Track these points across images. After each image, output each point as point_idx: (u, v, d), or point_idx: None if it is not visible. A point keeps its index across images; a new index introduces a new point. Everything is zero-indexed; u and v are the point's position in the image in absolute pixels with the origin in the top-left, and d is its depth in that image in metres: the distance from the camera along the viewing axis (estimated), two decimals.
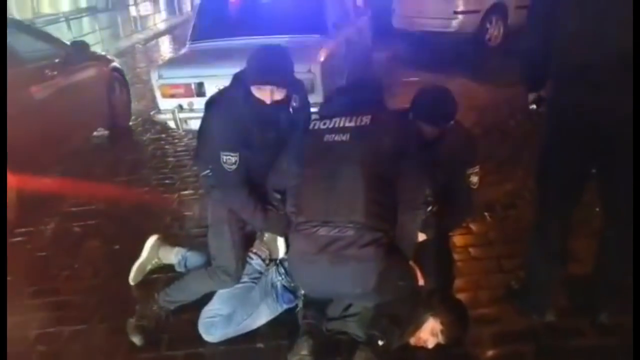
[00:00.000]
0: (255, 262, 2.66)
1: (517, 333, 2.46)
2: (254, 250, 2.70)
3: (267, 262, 2.67)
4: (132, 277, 2.99)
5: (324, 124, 2.33)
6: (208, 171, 2.59)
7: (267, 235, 2.70)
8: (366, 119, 2.25)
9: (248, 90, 2.32)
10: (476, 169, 2.53)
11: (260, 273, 2.65)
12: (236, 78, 2.45)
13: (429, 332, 2.31)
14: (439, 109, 2.43)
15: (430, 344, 2.32)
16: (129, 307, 2.70)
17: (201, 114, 4.47)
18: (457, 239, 3.24)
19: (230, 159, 2.36)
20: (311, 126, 2.39)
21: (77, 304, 2.94)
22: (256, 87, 2.29)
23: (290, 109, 2.45)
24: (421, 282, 2.32)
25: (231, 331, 2.49)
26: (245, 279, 2.61)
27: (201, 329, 2.51)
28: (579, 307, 2.52)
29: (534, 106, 2.52)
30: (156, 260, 3.04)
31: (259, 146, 2.43)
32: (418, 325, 2.30)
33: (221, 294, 2.59)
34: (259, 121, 2.39)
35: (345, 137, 2.24)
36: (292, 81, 2.38)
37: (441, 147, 2.43)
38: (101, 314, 2.82)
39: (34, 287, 3.12)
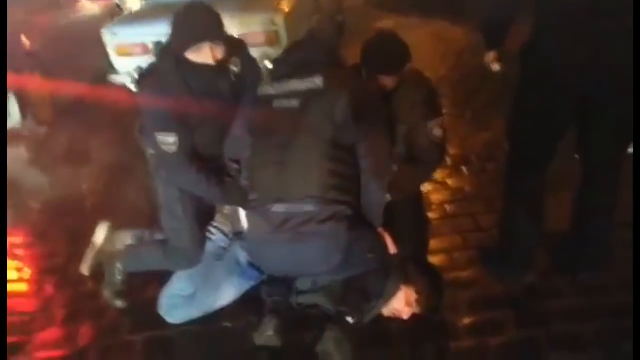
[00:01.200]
0: (217, 237, 2.47)
1: (494, 297, 2.35)
2: (215, 225, 2.50)
3: (230, 236, 2.48)
4: (86, 267, 2.73)
5: (273, 87, 2.09)
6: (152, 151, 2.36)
7: (228, 207, 2.50)
8: (317, 80, 2.01)
9: (180, 59, 2.07)
10: (438, 120, 2.32)
11: (224, 249, 2.47)
12: (163, 51, 2.18)
13: (403, 302, 2.18)
14: (389, 54, 2.24)
15: (405, 315, 2.19)
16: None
17: None
18: (432, 195, 3.09)
19: (167, 139, 2.14)
20: (259, 91, 2.14)
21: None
22: (192, 50, 2.05)
23: (231, 75, 2.20)
24: (392, 249, 2.18)
25: (194, 312, 2.34)
26: (206, 256, 2.43)
27: (161, 311, 2.36)
28: (558, 266, 2.40)
29: (496, 66, 2.34)
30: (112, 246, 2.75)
31: (201, 121, 2.19)
32: (391, 296, 2.17)
33: (181, 273, 2.42)
34: (197, 93, 2.15)
35: (295, 103, 2.01)
36: (228, 39, 2.15)
37: (399, 99, 2.25)
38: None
39: None
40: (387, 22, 6.51)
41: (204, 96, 2.18)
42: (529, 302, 2.30)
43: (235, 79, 2.23)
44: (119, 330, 2.42)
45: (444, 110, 3.97)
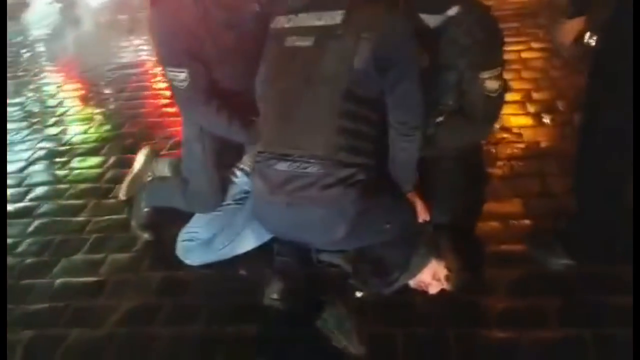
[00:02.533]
0: (241, 180, 2.27)
1: (543, 281, 1.97)
2: (241, 166, 2.29)
3: None
4: (124, 192, 2.68)
5: (288, 20, 1.75)
6: None
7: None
8: (337, 16, 1.64)
9: None
10: (495, 71, 1.87)
11: (247, 192, 2.27)
12: None
13: (431, 276, 1.90)
14: None
15: (433, 290, 1.91)
16: None
17: None
18: (500, 148, 2.66)
19: (177, 76, 1.91)
20: (272, 24, 1.80)
21: None
22: None
23: (257, 6, 1.90)
24: (423, 217, 1.87)
25: (211, 257, 2.21)
26: (228, 200, 2.25)
27: (178, 252, 2.25)
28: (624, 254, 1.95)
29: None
30: (150, 173, 2.68)
31: (219, 58, 1.93)
32: (417, 270, 1.89)
33: (200, 215, 2.27)
34: (217, 22, 1.87)
35: (309, 42, 1.67)
36: None
37: (446, 42, 1.83)
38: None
39: None
40: None
41: (224, 26, 1.91)
42: (586, 295, 1.89)
43: (261, 8, 1.92)
44: (139, 267, 2.35)
45: (537, 44, 3.54)
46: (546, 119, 2.85)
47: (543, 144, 2.69)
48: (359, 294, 1.83)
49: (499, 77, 1.88)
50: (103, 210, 2.74)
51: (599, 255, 1.94)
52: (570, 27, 1.90)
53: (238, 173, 2.29)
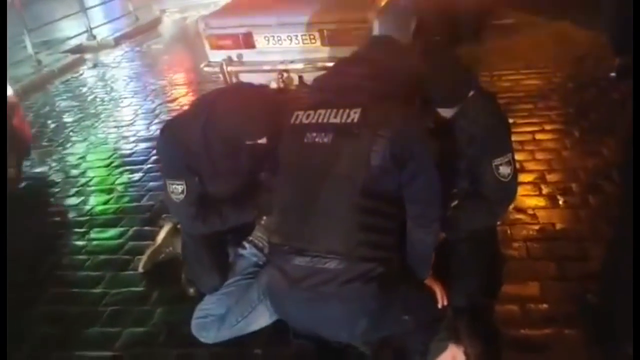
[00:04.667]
0: (249, 251, 2.30)
1: None
2: (250, 239, 2.32)
3: (265, 250, 2.27)
4: (142, 265, 2.76)
5: (307, 116, 1.78)
6: None
7: (266, 218, 2.30)
8: (354, 114, 1.68)
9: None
10: (505, 157, 1.92)
11: (258, 266, 2.29)
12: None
13: None
14: (452, 85, 1.89)
15: None
16: None
17: (250, 67, 4.30)
18: (514, 230, 2.68)
19: (176, 188, 2.09)
20: (292, 119, 1.82)
21: None
22: None
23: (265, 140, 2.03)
24: (442, 302, 1.87)
25: (225, 333, 2.19)
26: (238, 276, 2.27)
27: (193, 329, 2.23)
28: None
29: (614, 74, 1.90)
30: (170, 248, 2.76)
31: (215, 174, 2.13)
32: (437, 353, 1.87)
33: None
34: (215, 154, 2.09)
35: (327, 139, 1.69)
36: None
37: (456, 131, 1.90)
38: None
39: None
40: (507, 21, 5.97)
41: (224, 155, 2.11)
42: None
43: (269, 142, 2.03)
44: (154, 342, 2.34)
45: (549, 126, 3.63)
46: (560, 201, 2.88)
47: (557, 226, 2.70)
48: None
49: (510, 162, 1.93)
50: (121, 283, 2.76)
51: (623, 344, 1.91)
52: None
53: (247, 245, 2.32)
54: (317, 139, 1.71)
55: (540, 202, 2.89)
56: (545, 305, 2.23)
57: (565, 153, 3.33)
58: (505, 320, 2.16)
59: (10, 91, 3.83)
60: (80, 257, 3.04)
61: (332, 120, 1.70)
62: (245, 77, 4.24)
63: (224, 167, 2.12)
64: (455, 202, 1.99)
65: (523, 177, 2.87)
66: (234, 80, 4.40)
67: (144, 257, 2.77)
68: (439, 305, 1.86)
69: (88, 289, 2.75)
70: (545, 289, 2.30)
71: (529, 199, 2.91)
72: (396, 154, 1.63)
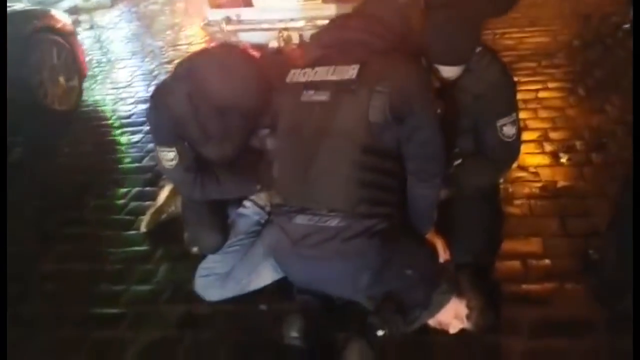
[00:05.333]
0: (251, 211, 2.30)
1: (568, 322, 1.95)
2: (252, 197, 2.31)
3: (267, 209, 2.28)
4: (145, 224, 2.75)
5: (304, 74, 1.76)
6: None
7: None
8: (352, 70, 1.65)
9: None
10: (510, 118, 1.91)
11: (261, 225, 2.30)
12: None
13: (452, 315, 1.90)
14: (456, 44, 1.82)
15: (452, 329, 1.90)
16: None
17: (249, 26, 4.22)
18: (516, 187, 2.66)
19: (167, 155, 2.04)
20: (289, 77, 1.80)
21: None
22: None
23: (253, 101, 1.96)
24: (443, 257, 1.88)
25: (230, 291, 2.21)
26: (241, 235, 2.27)
27: (197, 288, 2.25)
28: None
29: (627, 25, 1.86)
30: (173, 208, 2.76)
31: (205, 139, 2.08)
32: (438, 308, 1.89)
33: None
34: (203, 118, 2.03)
35: (325, 96, 1.68)
36: None
37: (461, 89, 1.87)
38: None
39: None
40: None
41: (211, 118, 2.05)
42: (609, 337, 1.88)
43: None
44: (158, 300, 2.36)
45: (553, 84, 3.58)
46: (563, 159, 2.86)
47: (560, 184, 2.69)
48: (379, 333, 1.82)
49: (514, 122, 1.91)
50: (124, 243, 2.77)
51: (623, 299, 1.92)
52: None
53: (248, 204, 2.32)
54: (314, 97, 1.70)
55: (544, 160, 2.87)
56: (547, 261, 2.23)
57: (569, 111, 3.30)
58: (507, 275, 2.17)
59: (69, 20, 4.47)
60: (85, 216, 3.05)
61: (330, 77, 1.69)
62: (244, 36, 4.19)
63: (214, 130, 2.07)
64: (459, 161, 1.98)
65: (526, 135, 2.83)
66: (233, 40, 4.35)
67: (146, 217, 2.77)
68: (441, 260, 1.87)
69: (92, 247, 2.76)
70: (547, 245, 2.31)
71: (531, 156, 2.89)
72: (396, 109, 1.61)
